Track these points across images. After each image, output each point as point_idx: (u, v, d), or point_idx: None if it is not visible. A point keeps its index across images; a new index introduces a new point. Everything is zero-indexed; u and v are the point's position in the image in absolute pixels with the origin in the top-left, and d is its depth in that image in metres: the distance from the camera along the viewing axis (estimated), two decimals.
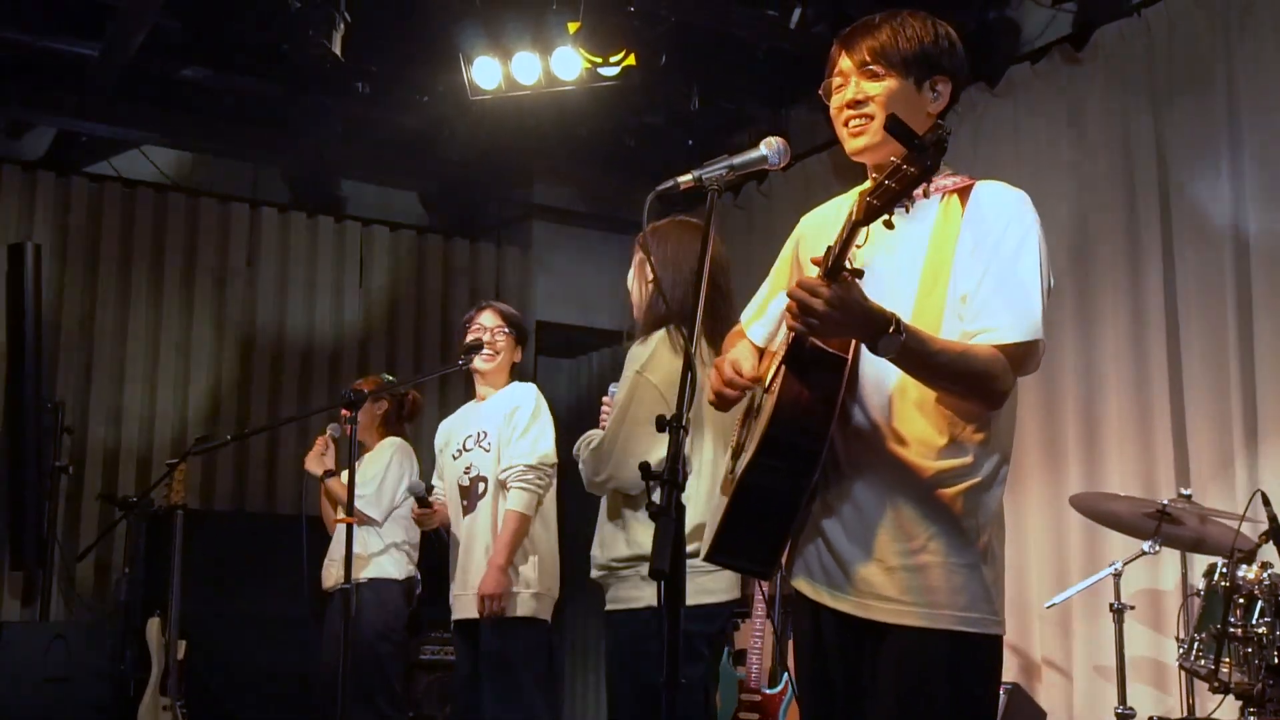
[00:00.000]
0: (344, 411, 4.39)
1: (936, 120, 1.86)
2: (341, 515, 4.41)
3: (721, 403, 2.38)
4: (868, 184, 2.39)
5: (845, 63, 2.34)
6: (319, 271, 7.63)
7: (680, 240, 3.36)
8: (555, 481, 4.38)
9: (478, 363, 4.42)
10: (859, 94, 2.30)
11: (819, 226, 2.46)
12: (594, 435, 3.40)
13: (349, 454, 4.32)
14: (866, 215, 1.92)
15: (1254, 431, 4.44)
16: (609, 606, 3.39)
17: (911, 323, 2.10)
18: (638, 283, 3.48)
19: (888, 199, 1.90)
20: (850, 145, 2.34)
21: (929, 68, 2.30)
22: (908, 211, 1.93)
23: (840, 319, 2.00)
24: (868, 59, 2.30)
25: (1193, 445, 4.66)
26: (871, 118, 2.29)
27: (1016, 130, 5.54)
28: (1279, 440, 4.36)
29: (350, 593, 4.22)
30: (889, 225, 1.93)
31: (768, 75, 6.41)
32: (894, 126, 1.88)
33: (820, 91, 2.39)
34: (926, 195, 1.91)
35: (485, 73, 5.88)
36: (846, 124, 2.33)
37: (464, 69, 5.85)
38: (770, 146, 2.35)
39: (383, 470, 5.15)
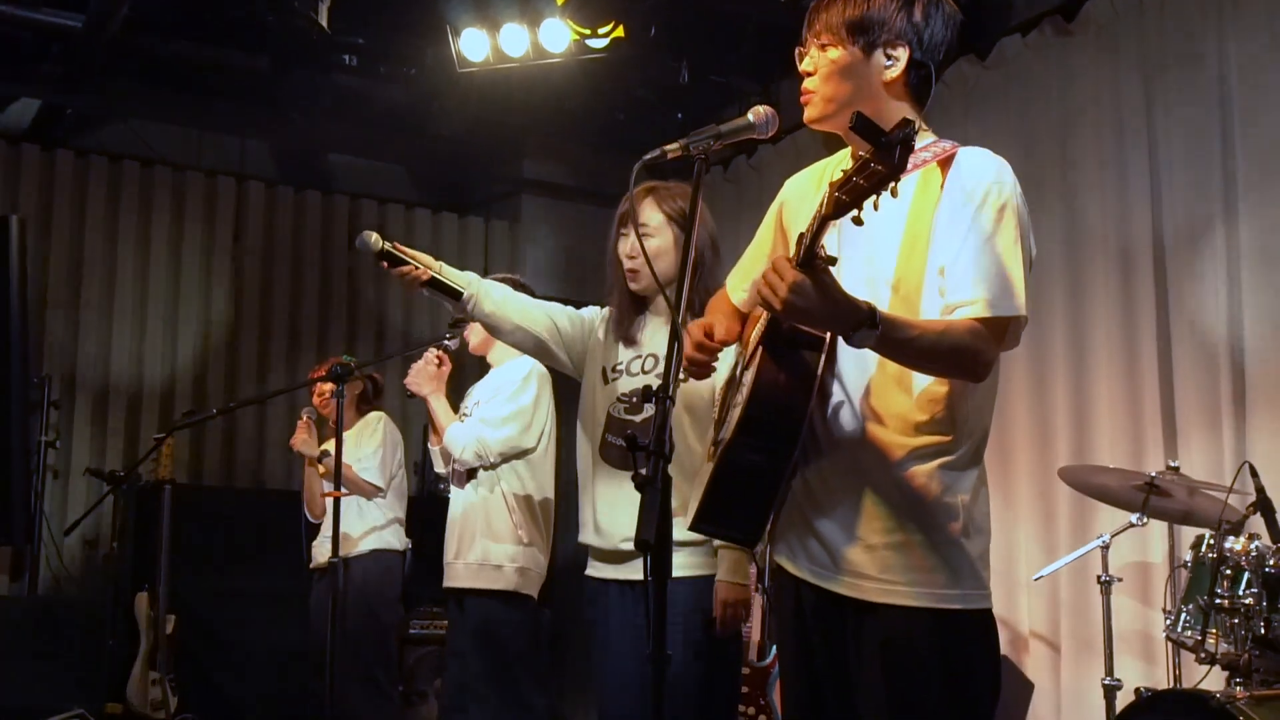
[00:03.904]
0: (330, 386, 4.39)
1: (904, 119, 1.80)
2: (329, 490, 4.42)
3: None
4: (845, 155, 2.37)
5: (805, 32, 2.32)
6: (306, 246, 7.60)
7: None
8: (551, 463, 4.35)
9: (469, 336, 4.42)
10: (807, 65, 2.29)
11: (801, 193, 2.42)
12: None
13: (338, 426, 4.33)
14: (835, 210, 1.88)
15: (1242, 403, 4.44)
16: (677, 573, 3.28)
17: (891, 294, 2.08)
18: (674, 252, 3.40)
19: (855, 195, 1.85)
20: (804, 117, 2.32)
21: (876, 33, 2.23)
22: (876, 209, 1.87)
23: (804, 306, 1.95)
24: (818, 29, 2.28)
25: (1181, 417, 4.67)
26: (814, 91, 2.28)
27: (1007, 102, 5.52)
28: (1267, 412, 4.36)
29: (339, 567, 4.24)
30: (858, 222, 1.88)
31: (758, 49, 6.38)
32: (860, 125, 1.82)
33: (796, 60, 2.36)
34: (895, 195, 1.87)
35: (473, 45, 5.85)
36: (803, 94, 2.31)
37: (452, 41, 5.82)
38: (758, 115, 2.33)
39: (379, 442, 5.21)
